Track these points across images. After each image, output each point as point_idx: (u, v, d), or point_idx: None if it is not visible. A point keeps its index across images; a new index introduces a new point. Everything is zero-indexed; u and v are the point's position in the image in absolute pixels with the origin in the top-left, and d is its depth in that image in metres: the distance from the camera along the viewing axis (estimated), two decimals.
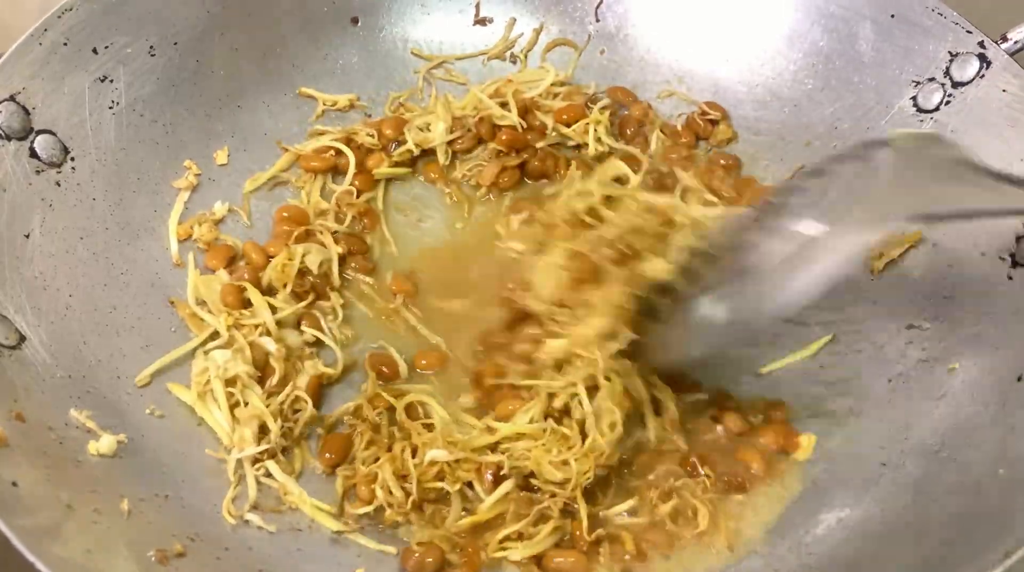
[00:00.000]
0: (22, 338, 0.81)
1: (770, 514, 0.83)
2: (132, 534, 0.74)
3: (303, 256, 0.93)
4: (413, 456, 0.82)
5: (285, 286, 0.92)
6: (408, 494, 0.81)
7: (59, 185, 0.89)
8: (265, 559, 0.78)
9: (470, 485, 0.82)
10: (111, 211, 0.92)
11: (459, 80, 1.10)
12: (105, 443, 0.79)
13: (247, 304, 0.91)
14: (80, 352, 0.85)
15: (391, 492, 0.81)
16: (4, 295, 0.82)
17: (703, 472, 0.84)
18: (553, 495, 0.80)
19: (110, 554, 0.72)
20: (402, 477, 0.81)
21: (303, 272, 0.93)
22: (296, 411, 0.86)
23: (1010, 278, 0.86)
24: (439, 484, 0.81)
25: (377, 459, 0.83)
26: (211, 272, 0.94)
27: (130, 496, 0.76)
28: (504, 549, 0.80)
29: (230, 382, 0.86)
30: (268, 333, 0.89)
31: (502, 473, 0.81)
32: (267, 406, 0.84)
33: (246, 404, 0.85)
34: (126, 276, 0.91)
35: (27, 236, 0.86)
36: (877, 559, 0.75)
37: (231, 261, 0.95)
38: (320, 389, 0.88)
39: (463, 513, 0.81)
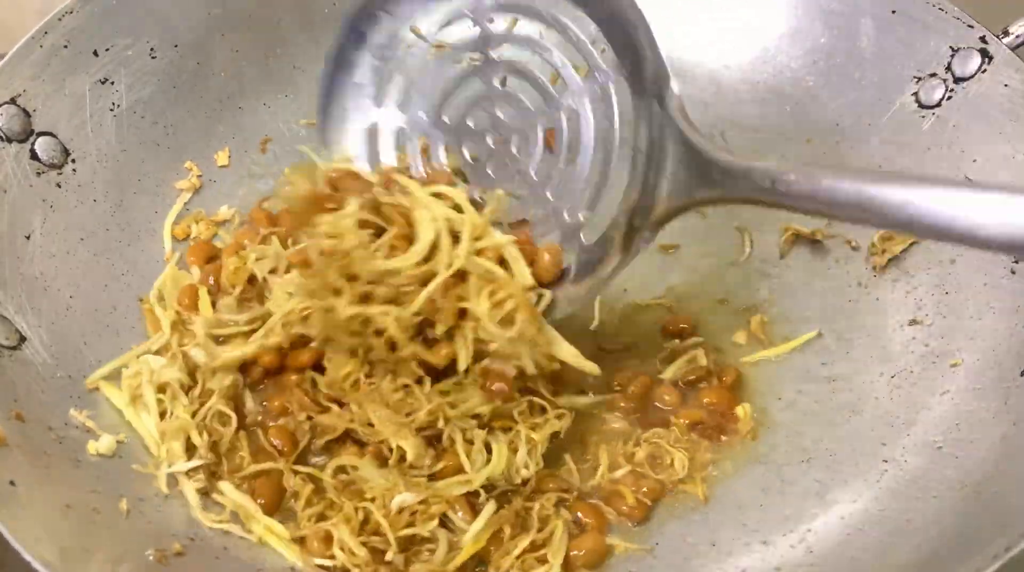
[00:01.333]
0: (22, 338, 0.82)
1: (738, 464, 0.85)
2: (131, 534, 0.74)
3: (255, 260, 0.90)
4: (367, 517, 0.76)
5: (234, 287, 0.89)
6: (374, 550, 0.75)
7: (60, 186, 0.90)
8: (264, 559, 0.77)
9: (442, 521, 0.77)
10: (112, 212, 0.93)
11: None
12: (104, 443, 0.79)
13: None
14: (80, 352, 0.85)
15: (353, 552, 0.75)
16: (5, 295, 0.83)
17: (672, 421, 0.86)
18: (533, 495, 0.79)
19: (109, 554, 0.71)
20: (366, 532, 0.76)
21: (252, 277, 0.89)
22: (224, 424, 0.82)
23: (1012, 273, 0.86)
24: (411, 530, 0.75)
25: (323, 516, 0.77)
26: (188, 269, 0.93)
27: (129, 496, 0.76)
28: (528, 568, 0.76)
29: (161, 389, 0.82)
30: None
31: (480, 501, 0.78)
32: (192, 417, 0.81)
33: (172, 414, 0.81)
34: (127, 277, 0.92)
35: (28, 237, 0.86)
36: (879, 555, 0.75)
37: (210, 260, 0.94)
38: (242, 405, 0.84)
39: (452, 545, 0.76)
